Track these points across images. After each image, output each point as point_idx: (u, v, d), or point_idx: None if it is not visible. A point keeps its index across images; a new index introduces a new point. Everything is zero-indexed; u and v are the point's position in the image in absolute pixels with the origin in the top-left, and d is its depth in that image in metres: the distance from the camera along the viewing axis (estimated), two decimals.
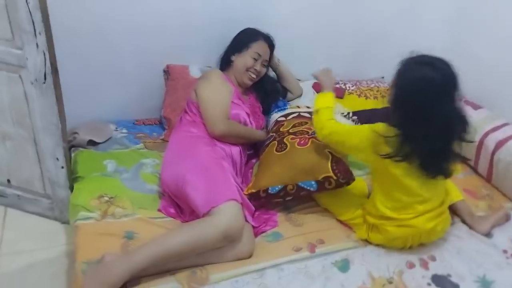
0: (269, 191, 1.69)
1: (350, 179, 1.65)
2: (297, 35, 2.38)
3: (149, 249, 1.35)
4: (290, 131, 1.87)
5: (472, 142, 1.51)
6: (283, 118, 2.08)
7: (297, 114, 2.09)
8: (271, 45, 2.11)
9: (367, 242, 1.64)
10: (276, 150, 1.79)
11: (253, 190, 1.71)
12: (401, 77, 1.44)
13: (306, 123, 1.96)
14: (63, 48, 1.72)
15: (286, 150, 1.76)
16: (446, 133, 1.43)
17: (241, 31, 2.11)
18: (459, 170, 1.61)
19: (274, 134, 1.95)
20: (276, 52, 2.19)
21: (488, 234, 1.70)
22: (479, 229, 1.72)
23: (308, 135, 1.82)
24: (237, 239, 1.48)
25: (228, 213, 1.46)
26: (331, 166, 1.66)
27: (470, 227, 1.74)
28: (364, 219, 1.63)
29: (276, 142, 1.85)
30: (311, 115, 1.82)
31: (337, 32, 2.47)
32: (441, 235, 1.64)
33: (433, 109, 1.38)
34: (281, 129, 1.96)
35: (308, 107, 2.16)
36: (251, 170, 1.98)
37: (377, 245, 1.62)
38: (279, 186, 1.68)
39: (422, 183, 1.50)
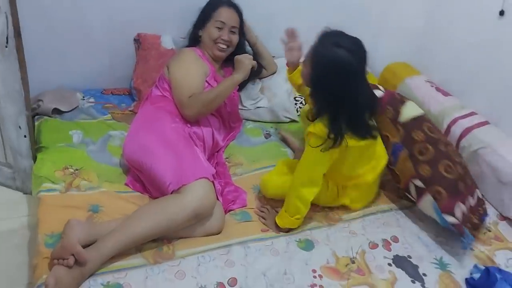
0: None
1: None
2: (275, 11, 2.32)
3: (119, 236, 1.31)
4: None
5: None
6: None
7: None
8: (237, 10, 1.98)
9: (331, 223, 1.66)
10: None
11: None
12: (316, 57, 1.47)
13: None
14: (27, 10, 1.63)
15: None
16: (360, 108, 1.50)
17: (206, 3, 2.00)
18: None
19: None
20: (254, 28, 2.14)
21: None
22: None
23: None
24: (208, 216, 1.47)
25: (200, 192, 1.43)
26: None
27: None
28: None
29: None
30: None
31: (315, 10, 2.43)
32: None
33: (349, 87, 1.44)
34: None
35: None
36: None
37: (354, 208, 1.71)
38: None
39: (357, 158, 1.59)
